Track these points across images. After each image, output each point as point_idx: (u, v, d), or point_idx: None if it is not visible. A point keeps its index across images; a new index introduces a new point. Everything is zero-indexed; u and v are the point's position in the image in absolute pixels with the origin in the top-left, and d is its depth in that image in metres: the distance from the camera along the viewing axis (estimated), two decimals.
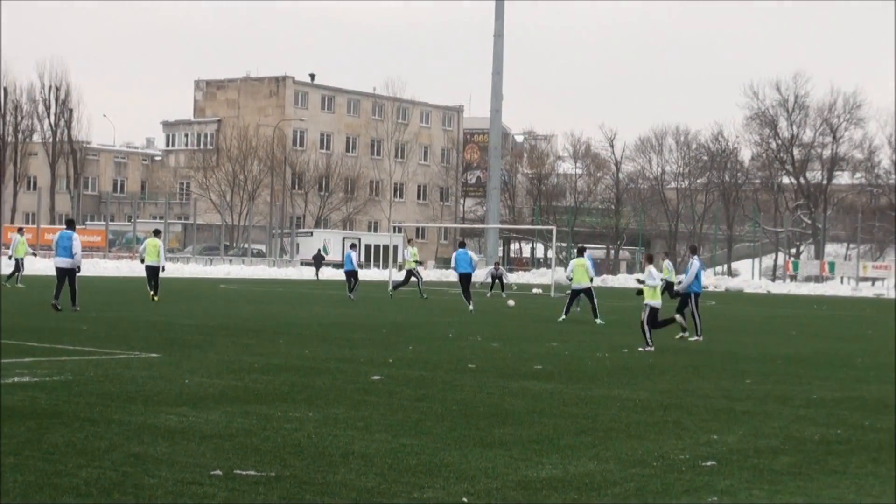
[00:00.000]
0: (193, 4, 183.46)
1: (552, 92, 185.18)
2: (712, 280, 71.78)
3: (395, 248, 64.46)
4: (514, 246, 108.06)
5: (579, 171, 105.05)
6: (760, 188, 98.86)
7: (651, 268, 19.99)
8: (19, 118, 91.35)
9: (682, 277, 24.04)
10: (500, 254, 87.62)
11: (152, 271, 30.65)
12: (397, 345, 18.58)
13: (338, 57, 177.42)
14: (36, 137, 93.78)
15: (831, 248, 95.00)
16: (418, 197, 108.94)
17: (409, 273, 39.12)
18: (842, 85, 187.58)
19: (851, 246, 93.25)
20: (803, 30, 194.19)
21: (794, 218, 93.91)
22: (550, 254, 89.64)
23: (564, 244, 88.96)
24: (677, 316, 21.55)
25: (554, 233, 57.69)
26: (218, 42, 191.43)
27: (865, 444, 9.91)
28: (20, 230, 40.88)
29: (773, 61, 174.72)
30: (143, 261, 31.66)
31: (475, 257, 35.21)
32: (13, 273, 36.69)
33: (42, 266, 47.55)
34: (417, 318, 27.57)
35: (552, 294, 46.08)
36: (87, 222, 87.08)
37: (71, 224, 26.16)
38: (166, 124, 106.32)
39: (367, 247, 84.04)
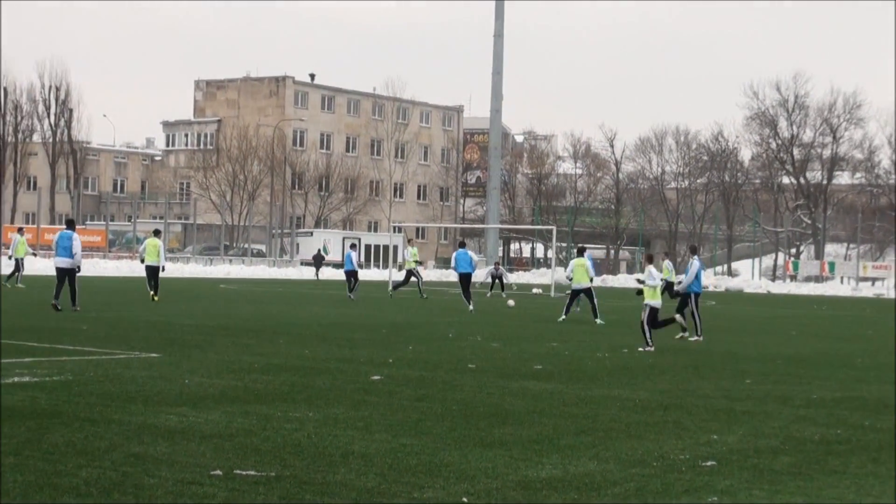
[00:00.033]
0: (193, 4, 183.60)
1: (552, 92, 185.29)
2: (712, 280, 71.73)
3: (395, 248, 64.52)
4: (513, 246, 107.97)
5: (579, 171, 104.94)
6: (760, 188, 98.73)
7: (651, 268, 19.99)
8: (19, 118, 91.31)
9: (682, 277, 24.03)
10: (500, 254, 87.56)
11: (152, 271, 30.65)
12: (397, 345, 18.57)
13: (338, 57, 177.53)
14: (36, 137, 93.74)
15: (831, 249, 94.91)
16: (418, 197, 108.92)
17: (410, 273, 39.12)
18: (842, 85, 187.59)
19: (851, 246, 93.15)
20: (803, 30, 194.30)
21: (794, 218, 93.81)
22: (550, 254, 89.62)
23: (564, 244, 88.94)
24: (677, 316, 21.54)
25: (554, 233, 57.67)
26: (218, 42, 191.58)
27: (865, 445, 9.91)
28: (20, 230, 40.86)
29: (773, 61, 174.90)
30: (142, 261, 31.63)
31: (475, 257, 35.20)
32: (13, 273, 36.68)
33: (42, 266, 47.53)
34: (417, 318, 27.56)
35: (552, 294, 46.06)
36: (87, 222, 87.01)
37: (71, 224, 26.12)
38: (166, 124, 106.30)
39: (367, 247, 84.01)
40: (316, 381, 13.14)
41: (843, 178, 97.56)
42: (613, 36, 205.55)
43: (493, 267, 45.54)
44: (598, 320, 26.42)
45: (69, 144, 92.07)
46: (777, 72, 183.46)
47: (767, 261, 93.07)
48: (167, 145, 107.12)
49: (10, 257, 37.64)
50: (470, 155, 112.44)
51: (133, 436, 9.08)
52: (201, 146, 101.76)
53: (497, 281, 43.44)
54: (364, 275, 51.71)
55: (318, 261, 66.13)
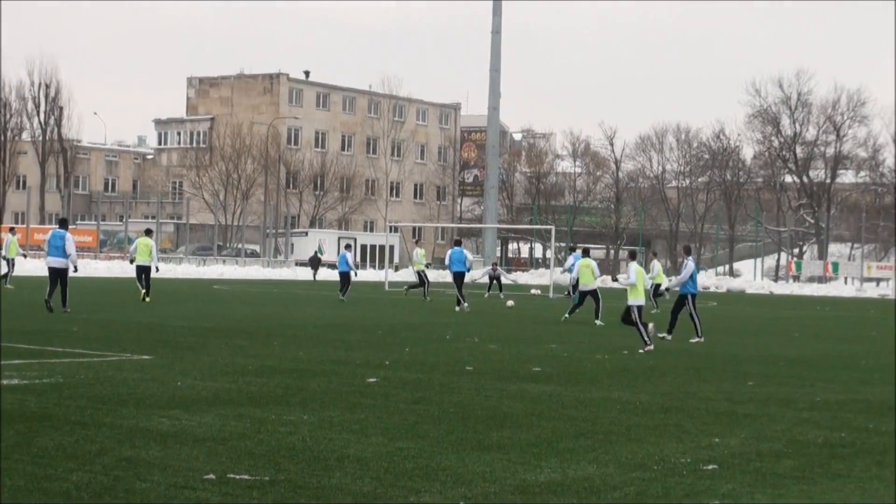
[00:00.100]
0: (186, 2, 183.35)
1: (551, 91, 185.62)
2: (714, 280, 71.66)
3: (392, 248, 64.52)
4: (511, 246, 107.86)
5: (578, 170, 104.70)
6: (763, 187, 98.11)
7: (633, 265, 19.88)
8: (8, 116, 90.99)
9: (673, 279, 23.96)
10: (498, 254, 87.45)
11: (143, 270, 30.37)
12: (393, 346, 18.50)
13: (333, 54, 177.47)
14: (25, 136, 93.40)
15: (835, 248, 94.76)
16: (415, 196, 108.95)
17: (420, 274, 39.00)
18: (846, 82, 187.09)
19: (855, 246, 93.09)
20: (804, 29, 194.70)
21: (796, 217, 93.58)
22: (549, 254, 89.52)
23: (563, 244, 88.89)
24: (651, 325, 20.97)
25: (553, 232, 57.66)
26: (211, 39, 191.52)
27: (870, 448, 9.87)
28: (11, 230, 40.69)
29: (774, 61, 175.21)
30: (132, 261, 31.35)
31: (470, 256, 35.14)
32: (5, 274, 36.51)
33: (31, 267, 47.32)
34: (414, 319, 27.51)
35: (550, 295, 46.03)
36: (78, 222, 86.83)
37: (63, 223, 25.91)
38: (158, 122, 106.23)
39: (363, 247, 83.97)
40: (311, 383, 13.08)
41: (847, 177, 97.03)
42: (613, 35, 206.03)
43: (490, 267, 45.47)
44: (598, 321, 26.33)
45: (59, 143, 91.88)
46: (779, 69, 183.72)
47: (770, 261, 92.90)
48: (159, 143, 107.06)
49: (2, 257, 37.47)
50: (467, 153, 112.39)
51: (125, 439, 9.03)
52: (194, 144, 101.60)
53: (495, 282, 43.39)
54: (360, 275, 51.66)
55: (314, 263, 65.90)
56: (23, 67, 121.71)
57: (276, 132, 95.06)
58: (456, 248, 33.98)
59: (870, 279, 77.50)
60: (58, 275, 24.30)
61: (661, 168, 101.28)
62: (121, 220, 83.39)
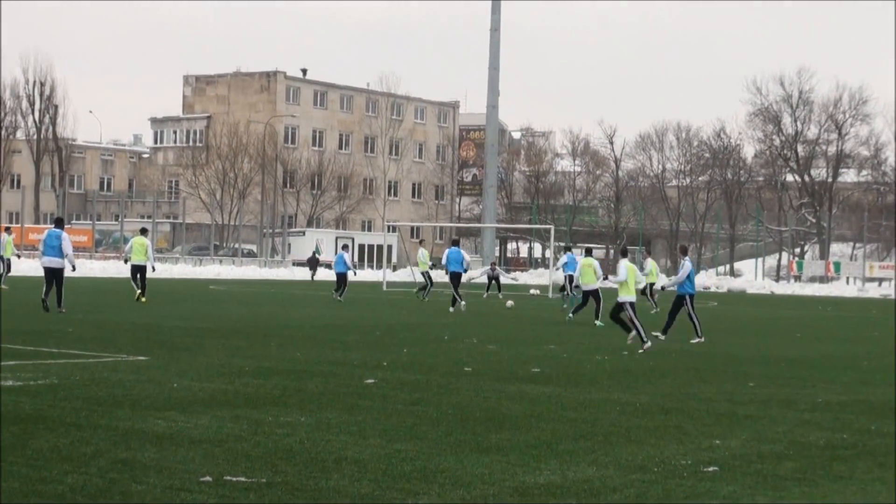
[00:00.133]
0: (183, 1, 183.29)
1: (551, 90, 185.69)
2: (714, 280, 71.60)
3: (390, 247, 64.44)
4: (510, 245, 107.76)
5: (578, 169, 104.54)
6: (764, 186, 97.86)
7: (623, 261, 19.86)
8: (2, 114, 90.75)
9: (671, 278, 23.93)
10: (497, 253, 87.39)
11: (138, 269, 30.24)
12: (391, 347, 18.46)
13: (330, 52, 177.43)
14: (20, 134, 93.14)
15: (837, 248, 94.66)
16: (413, 195, 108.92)
17: (426, 275, 38.97)
18: (847, 80, 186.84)
19: (857, 245, 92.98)
20: (804, 28, 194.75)
21: (798, 217, 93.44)
22: (548, 253, 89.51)
23: (563, 244, 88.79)
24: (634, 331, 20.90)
25: (552, 232, 57.62)
26: (208, 36, 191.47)
27: (871, 449, 9.84)
28: (7, 230, 40.57)
29: (774, 60, 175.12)
30: (126, 261, 31.23)
31: (467, 256, 35.13)
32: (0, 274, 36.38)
33: (26, 267, 47.24)
34: (412, 319, 27.48)
35: (550, 295, 46.00)
36: (73, 222, 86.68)
37: (59, 222, 25.78)
38: (154, 121, 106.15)
39: (361, 246, 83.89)
40: (308, 384, 13.03)
41: (849, 176, 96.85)
42: (613, 35, 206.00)
43: (489, 267, 45.43)
44: (598, 322, 26.27)
45: (54, 141, 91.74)
46: (780, 68, 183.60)
47: (771, 261, 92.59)
48: (155, 142, 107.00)
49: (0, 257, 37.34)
50: (466, 152, 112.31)
51: (120, 441, 8.99)
52: (190, 143, 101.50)
53: (494, 282, 43.34)
54: (358, 275, 51.57)
55: (312, 263, 65.82)
56: (17, 65, 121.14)
57: (273, 131, 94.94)
58: (453, 247, 33.94)
59: (872, 279, 77.40)
60: (54, 274, 24.22)
61: (661, 167, 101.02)
62: (116, 220, 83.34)
